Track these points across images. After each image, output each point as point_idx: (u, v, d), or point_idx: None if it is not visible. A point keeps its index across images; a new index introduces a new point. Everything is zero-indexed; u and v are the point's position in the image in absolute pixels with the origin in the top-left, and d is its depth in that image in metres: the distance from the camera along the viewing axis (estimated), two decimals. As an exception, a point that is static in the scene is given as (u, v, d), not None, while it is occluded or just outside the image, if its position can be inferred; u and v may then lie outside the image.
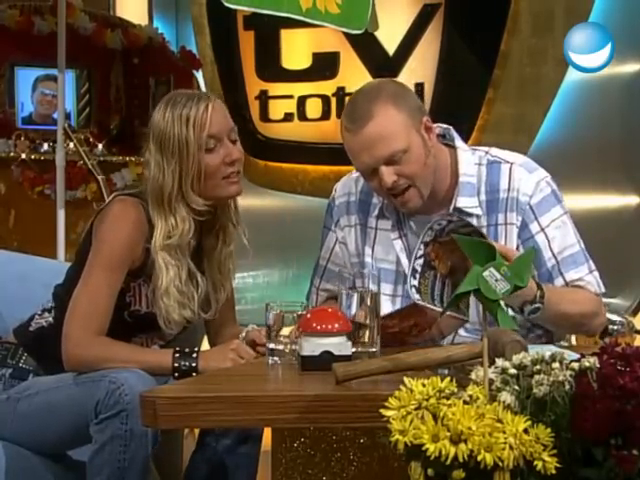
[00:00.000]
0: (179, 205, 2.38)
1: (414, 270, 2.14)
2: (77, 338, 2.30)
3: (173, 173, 2.37)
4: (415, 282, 2.15)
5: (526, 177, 2.38)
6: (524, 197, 2.36)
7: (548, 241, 2.37)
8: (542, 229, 2.36)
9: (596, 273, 2.41)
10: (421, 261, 2.15)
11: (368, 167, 2.31)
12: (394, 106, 2.30)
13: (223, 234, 2.49)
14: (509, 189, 2.37)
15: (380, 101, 2.30)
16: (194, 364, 2.30)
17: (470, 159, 2.40)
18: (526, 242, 2.36)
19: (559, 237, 2.37)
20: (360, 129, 2.29)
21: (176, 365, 2.30)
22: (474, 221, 2.35)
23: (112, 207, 2.40)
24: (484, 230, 2.35)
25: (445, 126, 2.45)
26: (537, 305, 2.22)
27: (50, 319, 2.46)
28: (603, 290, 2.42)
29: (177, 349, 2.33)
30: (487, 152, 2.43)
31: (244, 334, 2.43)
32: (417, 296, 2.13)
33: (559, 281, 2.37)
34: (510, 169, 2.39)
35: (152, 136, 2.41)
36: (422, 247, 2.14)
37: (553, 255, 2.37)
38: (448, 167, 2.40)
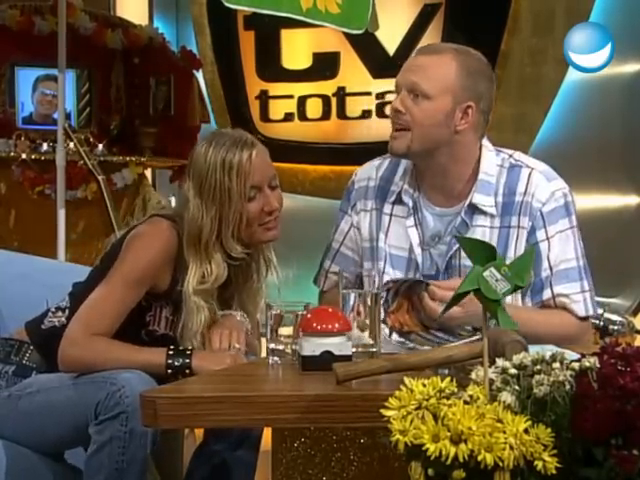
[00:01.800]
0: (216, 251, 2.37)
1: (401, 343, 2.14)
2: (75, 339, 2.30)
3: (212, 220, 2.35)
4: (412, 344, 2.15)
5: (544, 184, 2.38)
6: (537, 203, 2.36)
7: (549, 251, 2.36)
8: (547, 238, 2.36)
9: (588, 294, 2.38)
10: (395, 336, 2.16)
11: (397, 84, 2.37)
12: (459, 67, 2.34)
13: (257, 273, 2.49)
14: (525, 193, 2.37)
15: (455, 56, 2.36)
16: (187, 361, 2.29)
17: (493, 159, 2.41)
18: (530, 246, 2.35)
19: (558, 249, 2.37)
20: (419, 54, 2.40)
21: (169, 362, 2.29)
22: (487, 221, 2.36)
23: (148, 225, 2.40)
24: (496, 231, 2.36)
25: None
26: None
27: (63, 319, 2.45)
28: (591, 313, 2.39)
29: (171, 347, 2.32)
30: (511, 155, 2.43)
31: (239, 317, 2.43)
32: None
33: (547, 293, 2.36)
34: (530, 174, 2.38)
35: (192, 174, 2.39)
36: (384, 326, 2.15)
37: (549, 266, 2.36)
38: (473, 162, 2.40)
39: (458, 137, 2.36)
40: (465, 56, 2.37)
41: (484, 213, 2.36)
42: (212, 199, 2.35)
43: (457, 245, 2.34)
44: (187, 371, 2.28)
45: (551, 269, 2.36)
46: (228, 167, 2.34)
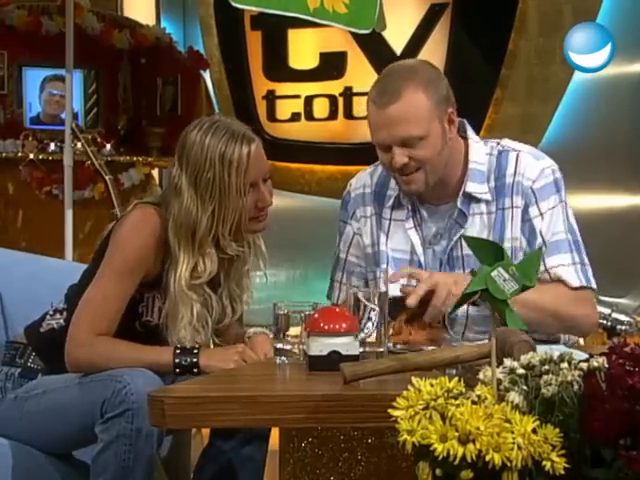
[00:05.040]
0: (210, 247, 2.34)
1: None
2: (81, 340, 2.28)
3: (209, 218, 2.31)
4: None
5: (532, 163, 2.42)
6: (528, 181, 2.39)
7: (541, 227, 2.39)
8: (540, 214, 2.39)
9: (579, 267, 2.38)
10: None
11: (383, 143, 2.34)
12: (424, 92, 2.32)
13: (240, 258, 2.44)
14: (515, 174, 2.40)
15: (412, 83, 2.31)
16: (195, 360, 2.28)
17: (482, 149, 2.44)
18: (525, 223, 2.38)
19: (548, 224, 2.39)
20: (386, 106, 2.31)
21: (177, 361, 2.28)
22: (484, 207, 2.39)
23: (132, 214, 2.36)
24: (493, 215, 2.38)
25: (459, 119, 2.46)
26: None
27: (61, 321, 2.44)
28: (584, 283, 2.37)
29: (178, 346, 2.32)
30: (498, 143, 2.47)
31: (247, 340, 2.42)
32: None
33: (540, 267, 2.36)
34: (517, 156, 2.43)
35: (186, 162, 2.32)
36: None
37: (543, 241, 2.39)
38: (462, 158, 2.43)
39: (450, 143, 2.38)
40: (420, 74, 2.35)
41: (479, 200, 2.39)
42: (210, 194, 2.30)
43: (457, 236, 2.38)
44: (195, 370, 2.28)
45: (545, 243, 2.38)
46: (228, 162, 2.29)
